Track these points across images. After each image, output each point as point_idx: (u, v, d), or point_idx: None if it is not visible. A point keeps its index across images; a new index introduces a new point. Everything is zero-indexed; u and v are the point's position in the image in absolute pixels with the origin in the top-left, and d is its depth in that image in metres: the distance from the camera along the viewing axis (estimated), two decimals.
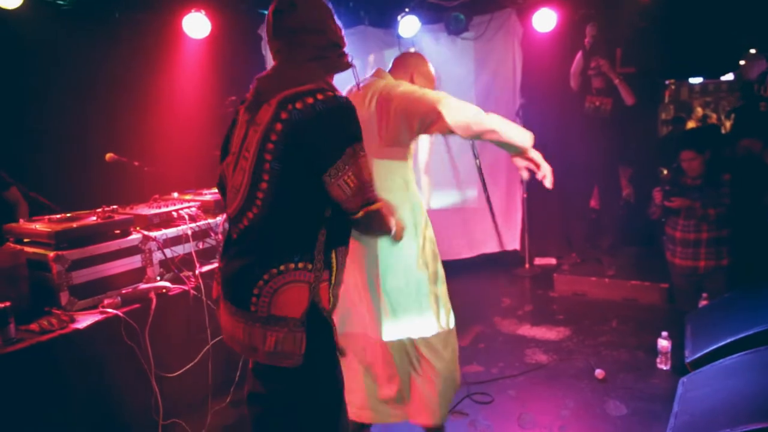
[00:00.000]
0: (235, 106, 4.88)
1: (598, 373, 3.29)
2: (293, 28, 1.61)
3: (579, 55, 5.01)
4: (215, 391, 2.77)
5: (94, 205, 2.81)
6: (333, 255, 1.63)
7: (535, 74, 5.33)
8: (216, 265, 2.85)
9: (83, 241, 2.47)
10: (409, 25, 5.07)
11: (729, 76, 8.87)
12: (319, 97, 1.52)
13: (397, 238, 1.96)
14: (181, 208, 2.97)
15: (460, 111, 2.04)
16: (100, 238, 2.54)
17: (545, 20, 4.97)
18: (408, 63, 2.42)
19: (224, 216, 2.98)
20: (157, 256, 2.75)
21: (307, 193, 1.57)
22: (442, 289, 2.40)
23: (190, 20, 4.45)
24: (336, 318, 1.70)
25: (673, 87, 9.62)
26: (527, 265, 5.53)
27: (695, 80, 9.84)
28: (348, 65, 1.69)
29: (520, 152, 2.19)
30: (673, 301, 4.26)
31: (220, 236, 3.01)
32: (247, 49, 5.17)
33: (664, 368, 3.34)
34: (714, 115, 9.67)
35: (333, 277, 1.63)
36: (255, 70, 5.22)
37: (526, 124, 5.33)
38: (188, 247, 2.86)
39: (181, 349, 2.67)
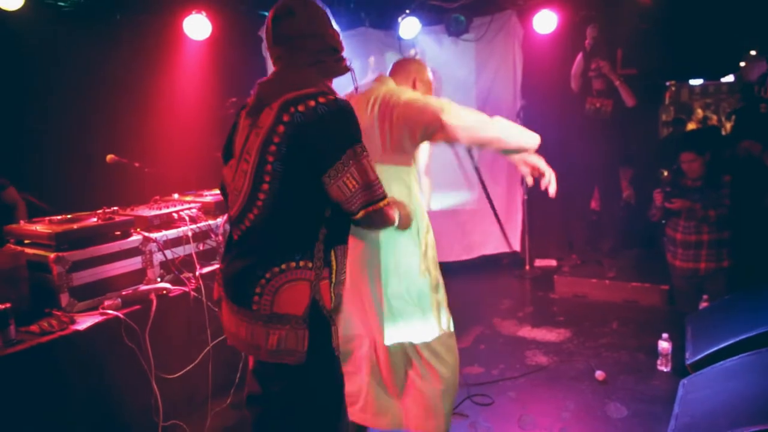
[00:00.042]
0: (235, 107, 4.89)
1: (599, 374, 3.29)
2: (292, 34, 1.64)
3: (579, 56, 5.02)
4: (215, 392, 2.77)
5: (95, 207, 2.81)
6: (332, 254, 1.66)
7: (536, 76, 5.34)
8: (217, 266, 2.87)
9: (84, 243, 2.47)
10: (409, 26, 5.07)
11: (729, 78, 8.88)
12: (321, 100, 1.55)
13: (403, 227, 2.01)
14: (182, 210, 2.97)
15: (464, 120, 2.03)
16: (100, 240, 2.54)
17: (546, 22, 4.98)
18: (410, 69, 2.40)
19: (225, 217, 2.99)
20: (158, 257, 2.74)
21: (307, 193, 1.59)
22: (442, 293, 2.40)
23: (190, 22, 4.46)
24: (339, 322, 1.72)
25: (673, 88, 9.63)
26: (527, 267, 5.53)
27: (696, 82, 9.85)
28: (346, 69, 1.72)
29: (524, 156, 2.18)
30: (674, 302, 4.25)
31: (220, 238, 3.01)
32: (248, 51, 5.18)
33: (665, 370, 3.33)
34: (714, 117, 9.67)
35: (333, 275, 1.66)
36: (255, 72, 5.25)
37: (527, 126, 5.28)
38: (189, 249, 2.86)
39: (181, 351, 2.66)
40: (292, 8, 1.64)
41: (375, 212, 1.62)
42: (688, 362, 2.92)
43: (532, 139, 2.15)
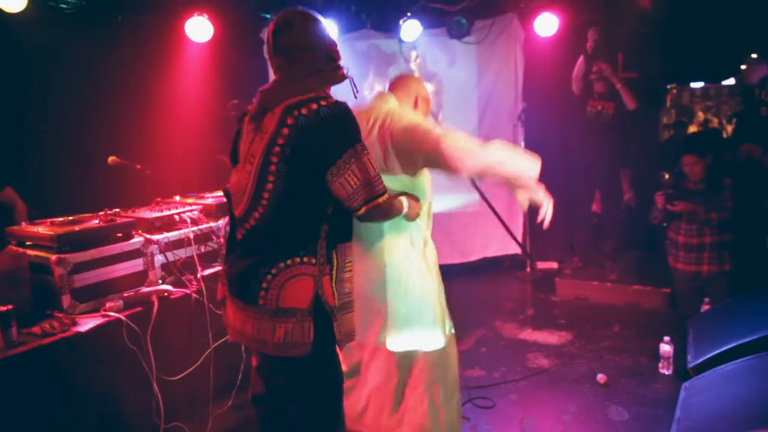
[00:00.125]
0: (237, 110, 4.93)
1: (600, 377, 3.28)
2: (291, 47, 1.72)
3: (581, 59, 5.02)
4: (217, 394, 2.77)
5: (97, 208, 2.81)
6: (334, 251, 1.74)
7: (537, 78, 5.34)
8: (219, 268, 2.87)
9: (85, 245, 2.47)
10: (411, 29, 5.07)
11: (730, 81, 8.89)
12: (323, 103, 1.64)
13: (411, 218, 2.08)
14: (183, 212, 2.97)
15: (464, 149, 2.04)
16: (102, 242, 2.54)
17: (547, 25, 4.98)
18: (410, 86, 2.38)
19: (226, 219, 2.99)
20: (159, 259, 2.75)
21: (310, 191, 1.68)
22: (443, 299, 2.41)
23: (192, 24, 4.47)
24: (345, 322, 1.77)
25: (674, 91, 9.63)
26: (529, 269, 5.52)
27: (696, 85, 9.85)
28: (344, 77, 1.81)
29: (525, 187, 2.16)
30: (675, 305, 4.25)
31: (222, 240, 3.01)
32: (250, 53, 5.18)
33: (667, 373, 3.33)
34: (715, 120, 9.68)
35: (334, 272, 1.73)
36: (257, 74, 5.24)
37: (528, 128, 5.39)
38: (190, 251, 2.86)
39: (182, 353, 2.66)
40: (290, 22, 1.72)
41: (375, 208, 1.71)
42: (690, 365, 2.92)
43: (533, 168, 2.13)
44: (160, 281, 2.74)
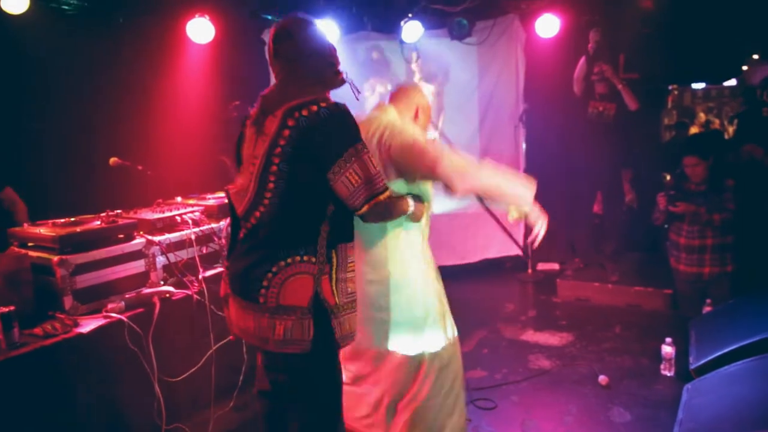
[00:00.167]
0: (238, 111, 4.94)
1: (602, 379, 3.28)
2: (291, 54, 1.78)
3: (582, 60, 5.02)
4: (218, 395, 2.76)
5: (98, 210, 2.81)
6: (334, 251, 1.76)
7: (539, 79, 5.34)
8: (220, 269, 2.87)
9: (87, 246, 2.47)
10: (412, 30, 5.07)
11: (732, 82, 8.89)
12: (323, 105, 1.69)
13: (416, 218, 2.11)
14: (185, 213, 2.96)
15: (459, 174, 2.07)
16: (103, 243, 2.54)
17: (548, 26, 4.98)
18: (411, 97, 2.38)
19: (228, 221, 2.99)
20: (161, 260, 2.74)
21: (310, 191, 1.72)
22: (444, 299, 2.40)
23: (194, 25, 4.47)
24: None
25: (676, 92, 9.63)
26: (530, 271, 5.52)
27: (698, 86, 9.85)
28: (343, 81, 1.86)
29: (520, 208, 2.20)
30: (677, 307, 4.24)
31: (223, 241, 3.01)
32: (251, 54, 5.19)
33: (668, 375, 3.32)
34: (717, 121, 9.68)
35: (333, 272, 1.76)
36: (258, 75, 5.24)
37: (530, 129, 5.39)
38: (192, 252, 2.86)
39: (184, 354, 2.66)
40: (290, 31, 1.79)
41: (377, 204, 1.73)
42: (691, 367, 2.91)
43: (528, 193, 2.17)
44: (162, 282, 2.73)
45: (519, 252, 5.59)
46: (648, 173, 5.48)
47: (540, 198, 5.70)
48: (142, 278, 2.67)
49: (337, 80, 1.85)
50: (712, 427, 2.25)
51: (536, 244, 2.25)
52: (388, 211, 1.85)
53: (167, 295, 2.61)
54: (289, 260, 1.70)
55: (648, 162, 5.59)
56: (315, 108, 1.67)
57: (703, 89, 10.14)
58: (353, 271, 1.83)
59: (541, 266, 5.60)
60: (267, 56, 1.87)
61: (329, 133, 1.67)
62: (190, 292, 2.70)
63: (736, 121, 6.09)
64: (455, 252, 5.53)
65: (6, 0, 3.56)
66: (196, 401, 2.74)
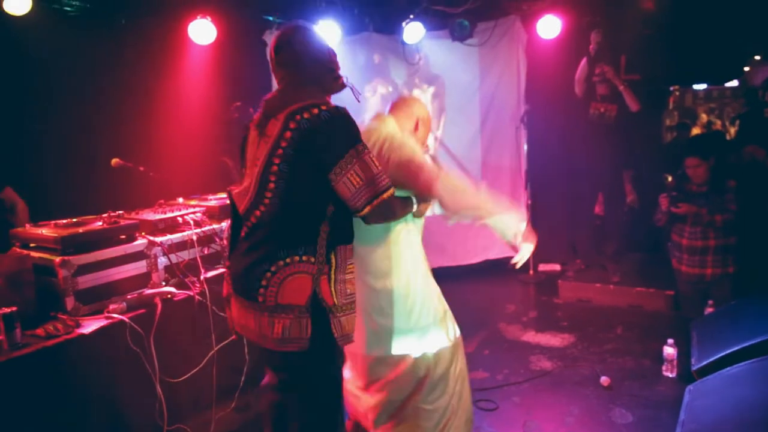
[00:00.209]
0: (240, 112, 4.94)
1: (604, 380, 3.28)
2: (291, 62, 1.85)
3: (583, 61, 5.02)
4: (220, 396, 2.77)
5: (100, 210, 2.81)
6: (333, 252, 1.79)
7: (540, 80, 5.34)
8: (222, 270, 2.87)
9: (89, 246, 2.47)
10: (413, 31, 5.08)
11: (733, 83, 8.88)
12: (323, 107, 1.73)
13: (421, 213, 2.14)
14: (186, 214, 2.97)
15: (453, 196, 2.10)
16: (105, 244, 2.54)
17: (550, 27, 4.99)
18: (411, 109, 2.37)
19: (229, 222, 2.99)
20: (162, 261, 2.75)
21: (310, 191, 1.75)
22: (443, 298, 2.40)
23: (195, 26, 4.48)
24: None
25: (677, 93, 9.62)
26: (531, 272, 5.51)
27: (699, 87, 9.84)
28: (343, 86, 1.92)
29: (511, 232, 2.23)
30: (679, 308, 4.24)
31: (225, 242, 3.01)
32: (253, 55, 5.19)
33: (670, 376, 3.32)
34: (718, 122, 9.67)
35: (332, 272, 1.79)
36: (260, 76, 5.23)
37: (531, 131, 5.39)
38: (193, 253, 2.86)
39: (185, 355, 2.66)
40: (289, 39, 1.85)
41: (380, 204, 1.75)
42: (693, 368, 2.91)
43: (518, 224, 2.22)
44: (164, 283, 2.74)
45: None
46: (649, 174, 5.48)
47: (541, 199, 5.71)
48: (144, 279, 2.67)
49: (337, 85, 1.91)
50: (714, 428, 2.25)
51: (517, 266, 2.32)
52: (391, 210, 1.86)
53: (169, 296, 2.61)
54: (288, 260, 1.74)
55: (649, 163, 5.59)
56: (316, 111, 1.71)
57: (704, 90, 10.13)
58: (352, 272, 1.85)
59: (542, 267, 5.60)
60: (269, 63, 1.91)
61: (330, 134, 1.71)
62: (191, 293, 2.70)
63: (737, 122, 6.09)
64: (456, 253, 5.52)
65: (8, 1, 3.57)
66: (197, 402, 2.74)
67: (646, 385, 3.26)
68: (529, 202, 5.42)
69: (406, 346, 2.25)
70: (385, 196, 1.75)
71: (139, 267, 2.66)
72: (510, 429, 2.91)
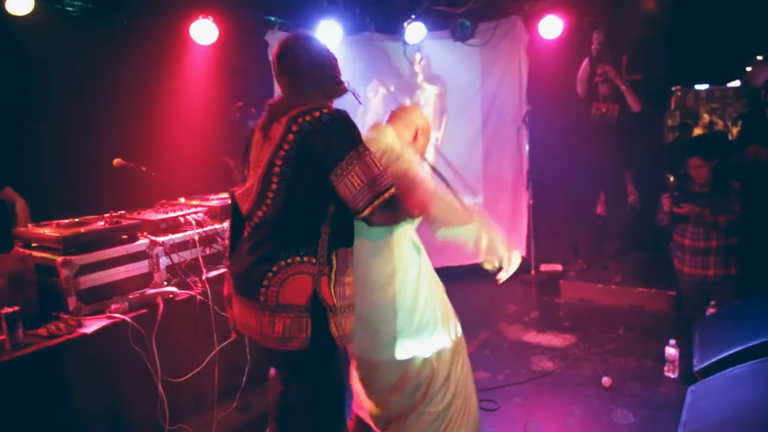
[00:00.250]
0: (242, 112, 4.94)
1: (605, 380, 3.27)
2: (293, 69, 1.89)
3: (585, 61, 5.02)
4: (221, 396, 2.77)
5: (102, 210, 2.82)
6: (334, 253, 1.82)
7: (542, 81, 5.33)
8: (223, 270, 2.87)
9: (91, 246, 2.48)
10: (415, 31, 5.08)
11: (735, 83, 8.86)
12: (325, 111, 1.77)
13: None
14: (188, 214, 2.98)
15: (446, 217, 2.10)
16: (107, 243, 2.55)
17: (551, 27, 4.98)
18: (411, 118, 2.34)
19: (230, 222, 3.00)
20: (164, 261, 2.75)
21: (312, 192, 1.78)
22: (446, 298, 2.40)
23: (197, 26, 4.48)
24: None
25: (679, 93, 9.61)
26: (533, 272, 5.51)
27: (701, 87, 9.83)
28: (345, 91, 1.97)
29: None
30: (681, 308, 4.23)
31: (226, 242, 3.01)
32: (255, 55, 5.19)
33: (672, 376, 3.32)
34: (720, 122, 9.66)
35: (332, 274, 1.81)
36: (262, 76, 5.24)
37: (533, 131, 5.38)
38: (195, 253, 2.86)
39: (187, 355, 2.66)
40: (292, 48, 1.90)
41: (382, 204, 1.75)
42: (695, 369, 2.90)
43: (505, 253, 2.26)
44: (165, 283, 2.74)
45: (522, 253, 5.57)
46: (651, 174, 5.47)
47: (543, 199, 5.70)
48: (146, 279, 2.68)
49: (339, 90, 1.95)
50: (716, 429, 2.24)
51: (500, 282, 2.33)
52: (393, 209, 1.82)
53: (171, 296, 2.62)
54: (289, 260, 1.77)
55: (651, 163, 5.57)
56: (317, 113, 1.75)
57: (706, 90, 10.12)
58: (351, 275, 1.88)
59: (544, 267, 5.59)
60: (273, 71, 1.96)
61: (331, 136, 1.74)
62: (193, 293, 2.70)
63: (740, 122, 6.08)
64: (457, 253, 5.47)
65: (10, 1, 3.57)
66: (199, 402, 2.75)
67: (648, 386, 3.25)
68: (531, 202, 5.42)
69: (410, 349, 2.24)
70: (386, 195, 1.75)
71: (141, 267, 2.66)
72: (511, 429, 2.91)
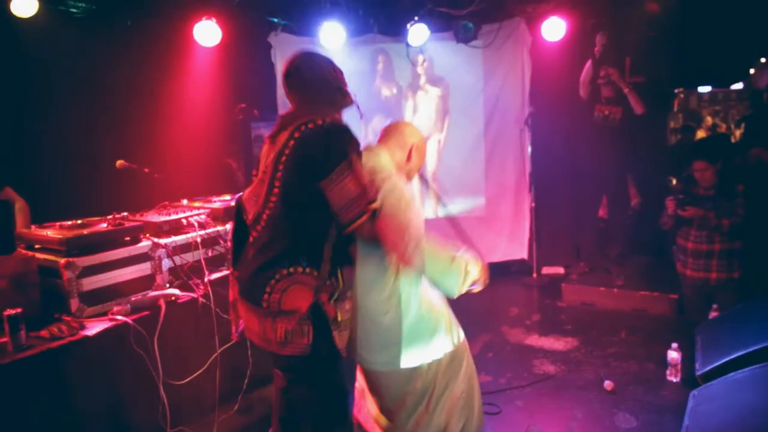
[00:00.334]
0: (244, 113, 4.94)
1: (607, 384, 3.27)
2: (300, 85, 1.97)
3: (588, 63, 5.01)
4: (223, 398, 2.77)
5: (104, 212, 2.83)
6: (337, 271, 1.86)
7: (544, 83, 5.33)
8: (226, 272, 2.87)
9: (94, 248, 2.48)
10: (418, 33, 5.08)
11: (738, 85, 8.83)
12: (328, 119, 1.85)
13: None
14: (191, 216, 2.98)
15: (428, 269, 2.12)
16: (110, 245, 2.56)
17: (554, 29, 4.98)
18: (405, 136, 2.22)
19: (232, 224, 3.00)
20: (167, 263, 2.76)
21: (311, 200, 1.80)
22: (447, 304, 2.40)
23: (200, 28, 4.49)
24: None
25: (682, 96, 9.58)
26: (535, 275, 5.50)
27: (704, 89, 9.79)
28: (351, 102, 2.03)
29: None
30: (683, 312, 4.22)
31: (229, 244, 3.01)
32: (258, 57, 5.20)
33: (674, 380, 3.31)
34: (723, 125, 9.62)
35: (335, 291, 1.85)
36: (265, 78, 5.25)
37: (535, 133, 5.38)
38: (197, 255, 2.87)
39: (189, 357, 2.67)
40: (299, 66, 1.98)
41: (370, 218, 1.76)
42: (698, 373, 2.89)
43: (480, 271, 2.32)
44: (168, 285, 2.74)
45: (524, 256, 5.58)
46: (654, 177, 5.46)
47: (545, 201, 5.68)
48: (148, 281, 2.68)
49: (346, 101, 2.02)
50: None
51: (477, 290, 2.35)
52: (369, 233, 1.84)
53: (173, 298, 2.62)
54: (291, 269, 1.81)
55: (654, 166, 5.56)
56: (320, 122, 1.82)
57: (709, 92, 10.07)
58: (351, 291, 1.93)
59: (546, 270, 5.58)
60: (282, 87, 2.03)
61: (326, 144, 1.80)
62: (195, 295, 2.70)
63: (743, 125, 6.06)
64: None
65: (15, 3, 3.59)
66: (200, 404, 2.75)
67: (650, 390, 3.25)
68: (533, 204, 5.42)
69: (415, 357, 2.23)
70: (372, 207, 1.77)
71: (144, 269, 2.67)
72: None
